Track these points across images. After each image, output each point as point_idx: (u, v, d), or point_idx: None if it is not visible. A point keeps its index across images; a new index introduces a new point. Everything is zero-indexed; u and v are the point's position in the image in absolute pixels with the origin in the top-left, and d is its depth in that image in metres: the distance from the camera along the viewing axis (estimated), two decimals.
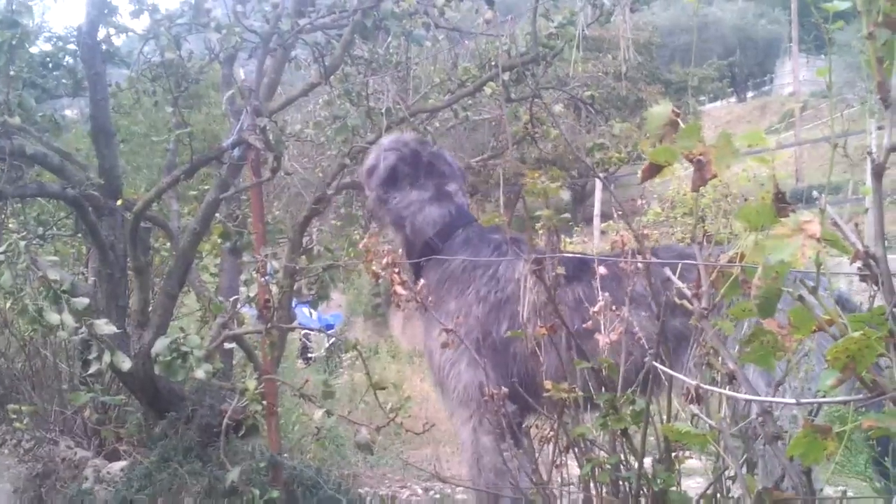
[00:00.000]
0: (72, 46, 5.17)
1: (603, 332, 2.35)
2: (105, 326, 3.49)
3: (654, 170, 1.52)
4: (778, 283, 1.33)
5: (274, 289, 3.91)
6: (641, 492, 2.14)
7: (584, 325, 2.47)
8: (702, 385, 1.71)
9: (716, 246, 2.03)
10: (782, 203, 1.36)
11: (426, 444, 6.59)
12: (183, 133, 4.20)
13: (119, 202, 4.46)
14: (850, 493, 3.45)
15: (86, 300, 3.58)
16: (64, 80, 5.19)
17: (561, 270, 2.55)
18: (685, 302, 1.64)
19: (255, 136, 3.80)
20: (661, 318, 2.07)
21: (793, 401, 1.45)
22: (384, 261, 2.68)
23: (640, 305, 2.65)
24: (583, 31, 4.46)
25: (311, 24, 4.19)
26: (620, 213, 2.46)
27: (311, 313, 10.73)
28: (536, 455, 2.59)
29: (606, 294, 2.40)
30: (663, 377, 2.07)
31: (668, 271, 1.78)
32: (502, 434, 2.81)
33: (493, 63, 5.07)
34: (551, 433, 2.52)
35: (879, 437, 3.14)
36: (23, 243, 3.73)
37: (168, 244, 5.28)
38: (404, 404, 3.61)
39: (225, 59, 4.47)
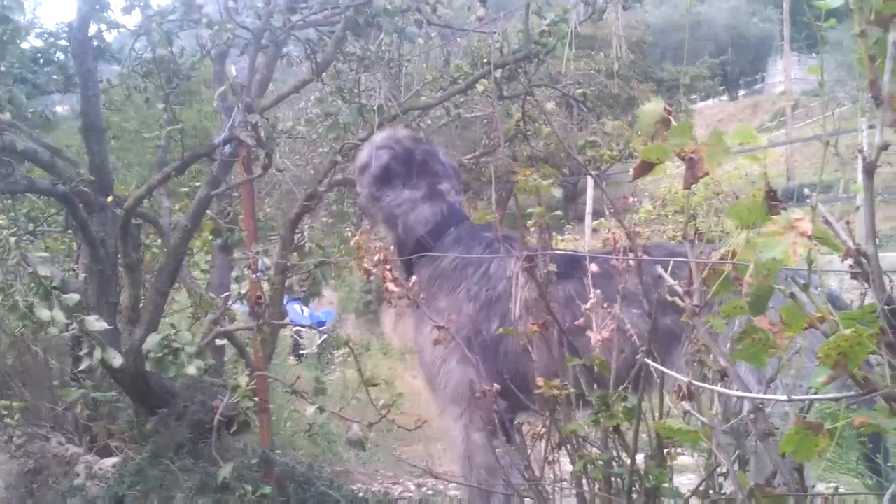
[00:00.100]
0: (63, 42, 5.15)
1: (594, 329, 2.35)
2: (96, 323, 3.48)
3: (646, 167, 1.52)
4: (769, 281, 1.34)
5: (265, 285, 3.91)
6: (634, 488, 2.14)
7: (575, 323, 2.47)
8: (694, 382, 1.71)
9: (707, 244, 2.03)
10: (774, 201, 1.36)
11: (418, 441, 6.58)
12: (174, 129, 4.19)
13: (110, 198, 4.44)
14: (841, 490, 3.46)
15: (76, 296, 3.58)
16: (55, 76, 5.18)
17: (552, 268, 2.56)
18: (677, 299, 1.65)
19: (247, 132, 3.79)
20: (653, 316, 2.07)
21: (784, 397, 1.45)
22: (376, 258, 2.68)
23: (631, 303, 2.66)
24: (575, 28, 4.46)
25: (303, 20, 4.19)
26: (612, 210, 2.46)
27: (302, 310, 10.74)
28: (528, 452, 2.59)
29: (598, 291, 2.40)
30: (655, 374, 2.07)
31: (659, 268, 1.78)
32: (494, 431, 2.81)
33: (485, 60, 5.07)
34: (543, 430, 2.52)
35: (870, 434, 3.15)
36: (13, 239, 3.72)
37: (159, 241, 5.28)
38: (396, 401, 3.62)
39: (216, 55, 4.46)
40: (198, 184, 4.81)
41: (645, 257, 2.32)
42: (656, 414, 2.19)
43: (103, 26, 4.44)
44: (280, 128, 5.23)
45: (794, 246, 1.27)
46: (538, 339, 2.52)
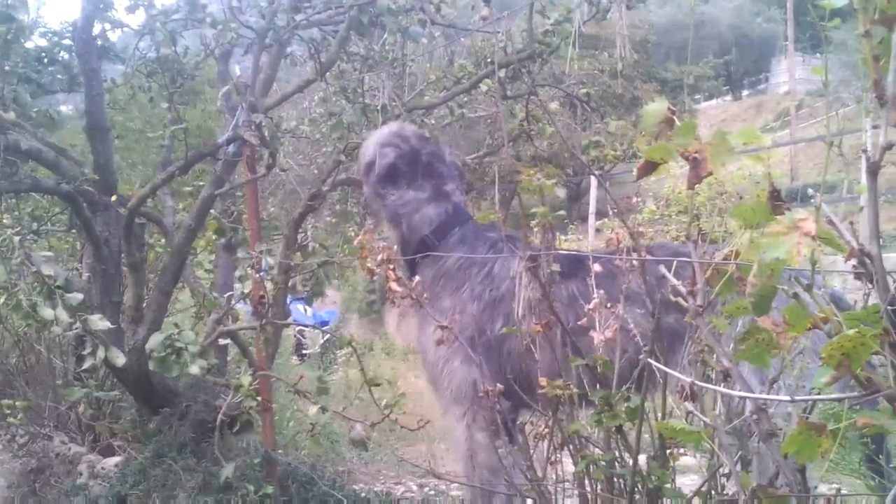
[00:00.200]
0: (67, 42, 5.15)
1: (598, 329, 2.35)
2: (99, 322, 3.48)
3: (650, 167, 1.52)
4: (773, 281, 1.34)
5: (269, 285, 3.91)
6: (636, 489, 2.14)
7: (578, 323, 2.47)
8: (697, 382, 1.71)
9: (711, 244, 2.03)
10: (777, 201, 1.36)
11: (421, 441, 6.59)
12: (178, 129, 4.19)
13: (114, 198, 4.45)
14: (844, 491, 3.45)
15: (80, 296, 3.58)
16: (59, 76, 5.18)
17: (556, 267, 2.55)
18: (680, 299, 1.64)
19: (251, 132, 3.79)
20: (656, 316, 2.07)
21: (787, 398, 1.45)
22: (379, 258, 2.68)
23: (634, 302, 2.65)
24: (579, 28, 4.46)
25: (307, 20, 4.19)
26: (616, 210, 2.46)
27: (305, 310, 10.75)
28: (531, 452, 2.59)
29: (601, 291, 2.40)
30: (658, 374, 2.07)
31: (663, 269, 1.78)
32: (496, 431, 2.81)
33: (489, 60, 5.08)
34: (546, 430, 2.52)
35: (873, 435, 3.14)
36: (17, 238, 3.72)
37: (163, 240, 5.28)
38: (399, 401, 3.61)
39: (220, 55, 4.47)
40: (201, 183, 4.81)
41: (648, 257, 2.32)
42: (659, 414, 2.19)
43: (107, 25, 4.45)
44: (284, 127, 5.23)
45: (797, 246, 1.27)
46: (541, 338, 2.52)
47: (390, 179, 3.66)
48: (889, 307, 1.28)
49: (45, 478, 5.05)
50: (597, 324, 2.37)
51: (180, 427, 4.47)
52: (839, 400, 1.40)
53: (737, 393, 1.56)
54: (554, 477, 2.53)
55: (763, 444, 1.56)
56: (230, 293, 4.02)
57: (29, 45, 4.86)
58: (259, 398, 3.76)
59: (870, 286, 1.34)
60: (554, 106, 5.88)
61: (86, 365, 3.62)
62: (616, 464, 2.26)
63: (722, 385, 1.92)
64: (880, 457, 3.22)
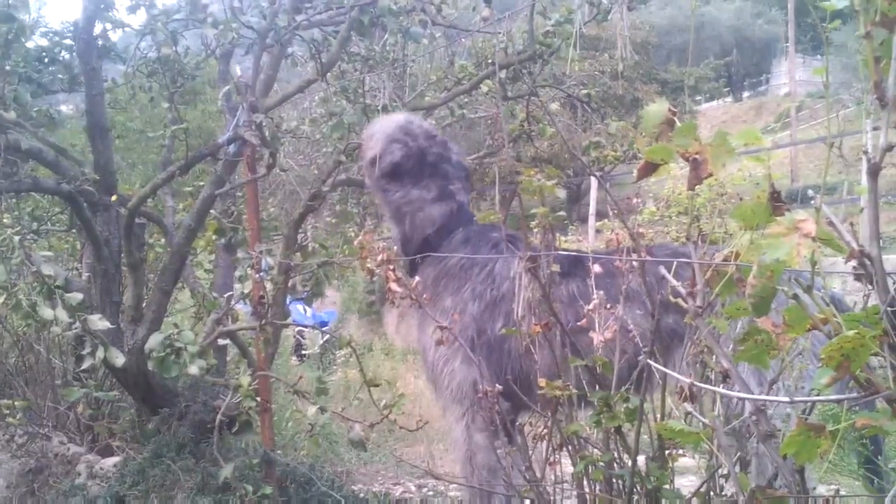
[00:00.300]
0: (68, 41, 5.16)
1: (597, 329, 2.35)
2: (99, 322, 3.48)
3: (650, 168, 1.52)
4: (773, 282, 1.34)
5: (268, 285, 3.91)
6: (635, 489, 2.14)
7: (578, 323, 2.47)
8: (696, 383, 1.71)
9: (711, 245, 2.03)
10: (778, 202, 1.36)
11: (420, 442, 6.59)
12: (178, 129, 4.19)
13: (114, 198, 4.45)
14: (842, 492, 3.45)
15: (80, 296, 3.58)
16: (60, 76, 5.18)
17: (556, 268, 2.55)
18: (680, 300, 1.64)
19: (251, 132, 3.79)
20: (655, 316, 2.07)
21: (787, 399, 1.45)
22: (379, 258, 2.68)
23: (634, 303, 2.65)
24: (580, 29, 4.46)
25: (307, 20, 4.19)
26: (616, 211, 2.46)
27: (305, 310, 10.75)
28: (530, 453, 2.59)
29: (601, 292, 2.40)
30: (657, 375, 2.07)
31: (662, 269, 1.78)
32: (495, 431, 2.81)
33: (489, 61, 5.08)
34: (545, 431, 2.52)
35: (871, 436, 3.14)
36: (17, 238, 3.72)
37: (163, 240, 5.28)
38: (398, 401, 3.61)
39: (221, 55, 4.48)
40: (202, 183, 4.82)
41: (648, 258, 2.32)
42: (658, 415, 2.19)
43: (108, 25, 4.45)
44: (284, 128, 5.23)
45: (797, 247, 1.27)
46: (541, 339, 2.52)
47: (395, 176, 3.64)
48: (889, 309, 1.28)
49: (44, 478, 5.05)
50: (596, 324, 2.37)
51: (179, 427, 4.47)
52: (838, 401, 1.40)
53: (736, 394, 1.56)
54: (553, 477, 2.53)
55: (762, 445, 1.56)
56: (230, 293, 4.02)
57: (30, 44, 4.86)
58: (258, 398, 3.75)
59: (870, 287, 1.34)
60: (554, 107, 5.88)
61: (85, 365, 3.62)
62: (615, 464, 2.26)
63: (721, 386, 1.92)
64: (879, 458, 3.22)
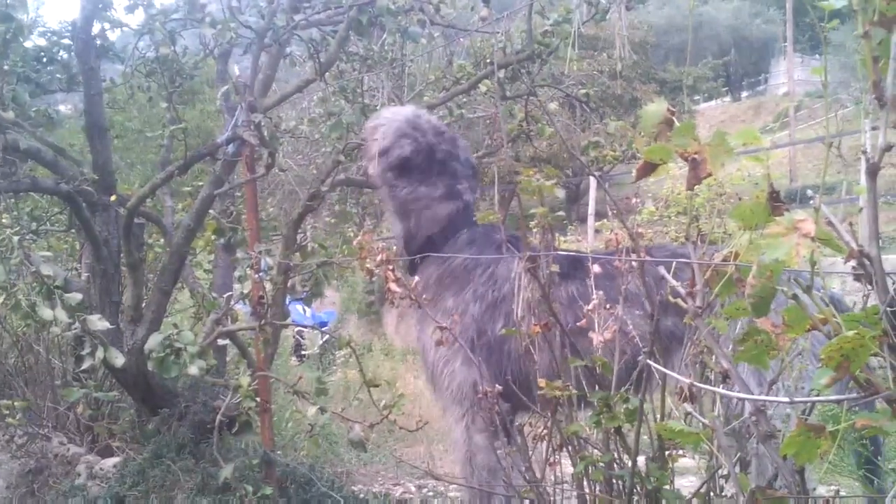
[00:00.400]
0: (66, 41, 5.16)
1: (597, 330, 2.35)
2: (98, 322, 3.48)
3: (649, 168, 1.52)
4: (772, 282, 1.33)
5: (268, 285, 3.90)
6: (635, 490, 2.14)
7: (577, 324, 2.47)
8: (695, 383, 1.71)
9: (710, 245, 2.03)
10: (777, 202, 1.36)
11: (419, 442, 6.59)
12: (177, 129, 4.19)
13: (113, 198, 4.45)
14: (842, 493, 3.46)
15: (79, 296, 3.58)
16: (58, 75, 5.18)
17: (555, 268, 2.55)
18: (679, 300, 1.64)
19: (250, 132, 3.79)
20: (655, 317, 2.07)
21: (786, 399, 1.45)
22: (378, 258, 2.68)
23: (633, 304, 2.65)
24: (578, 28, 4.46)
25: (306, 20, 4.19)
26: (615, 211, 2.46)
27: (304, 310, 10.75)
28: (530, 453, 2.59)
29: (600, 292, 2.39)
30: (657, 375, 2.07)
31: (662, 270, 1.78)
32: (495, 432, 2.81)
33: (488, 60, 5.08)
34: (545, 431, 2.51)
35: (871, 437, 3.15)
36: (16, 238, 3.72)
37: (162, 240, 5.28)
38: (398, 402, 3.61)
39: (220, 54, 4.47)
40: (201, 183, 4.81)
41: (647, 258, 2.32)
42: (658, 416, 2.19)
43: (107, 25, 4.45)
44: (283, 127, 5.23)
45: (797, 247, 1.26)
46: (541, 339, 2.51)
47: (403, 172, 3.60)
48: (888, 309, 1.28)
49: (44, 478, 5.05)
50: (595, 325, 2.37)
51: (179, 428, 4.47)
52: (838, 401, 1.40)
53: (736, 394, 1.56)
54: (552, 478, 2.53)
55: (762, 445, 1.56)
56: (229, 293, 4.02)
57: (28, 44, 4.85)
58: (258, 399, 3.75)
59: (869, 288, 1.34)
60: (553, 106, 5.89)
61: (84, 365, 3.62)
62: (615, 465, 2.26)
63: (721, 386, 1.92)
64: (878, 458, 3.22)
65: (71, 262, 6.06)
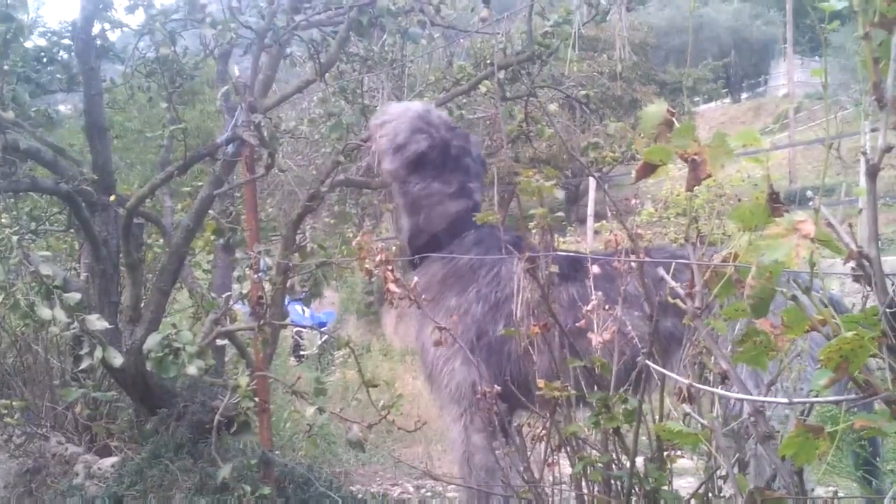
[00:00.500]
0: (66, 41, 5.16)
1: (595, 330, 2.35)
2: (97, 322, 3.48)
3: (649, 169, 1.52)
4: (771, 283, 1.33)
5: (267, 286, 3.91)
6: (633, 491, 2.14)
7: (576, 324, 2.47)
8: (694, 384, 1.71)
9: (709, 246, 2.03)
10: (776, 203, 1.36)
11: (418, 442, 6.59)
12: (177, 129, 4.19)
13: (112, 198, 4.45)
14: (840, 494, 3.45)
15: (78, 296, 3.58)
16: (58, 75, 5.17)
17: (554, 269, 2.55)
18: (678, 301, 1.64)
19: (250, 132, 3.79)
20: (654, 318, 2.07)
21: (785, 400, 1.45)
22: (377, 258, 2.68)
23: (632, 305, 2.65)
24: (578, 30, 4.46)
25: (306, 20, 4.19)
26: (614, 212, 2.46)
27: (303, 311, 10.74)
28: (528, 453, 2.59)
29: (599, 293, 2.39)
30: (655, 376, 2.07)
31: (661, 271, 1.78)
32: (493, 432, 2.81)
33: (488, 61, 5.08)
34: (543, 432, 2.51)
35: (870, 438, 3.15)
36: (15, 238, 3.72)
37: (161, 240, 5.28)
38: (396, 402, 3.61)
39: (220, 55, 4.47)
40: (200, 183, 4.81)
41: (646, 259, 2.32)
42: (656, 416, 2.19)
43: (107, 25, 4.44)
44: (283, 128, 5.23)
45: (796, 248, 1.26)
46: (540, 340, 2.51)
47: (418, 167, 3.59)
48: (887, 310, 1.28)
49: (42, 478, 5.05)
50: (594, 326, 2.37)
51: (177, 427, 4.46)
52: (837, 402, 1.40)
53: (734, 395, 1.56)
54: (551, 478, 2.53)
55: (760, 446, 1.56)
56: (228, 294, 4.01)
57: (28, 44, 4.85)
58: (256, 399, 3.75)
59: (868, 289, 1.34)
60: (553, 107, 5.89)
61: (83, 365, 3.62)
62: (613, 466, 2.26)
63: (719, 387, 1.92)
64: (877, 459, 3.22)
65: (70, 262, 6.06)
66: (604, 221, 14.84)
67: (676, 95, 30.01)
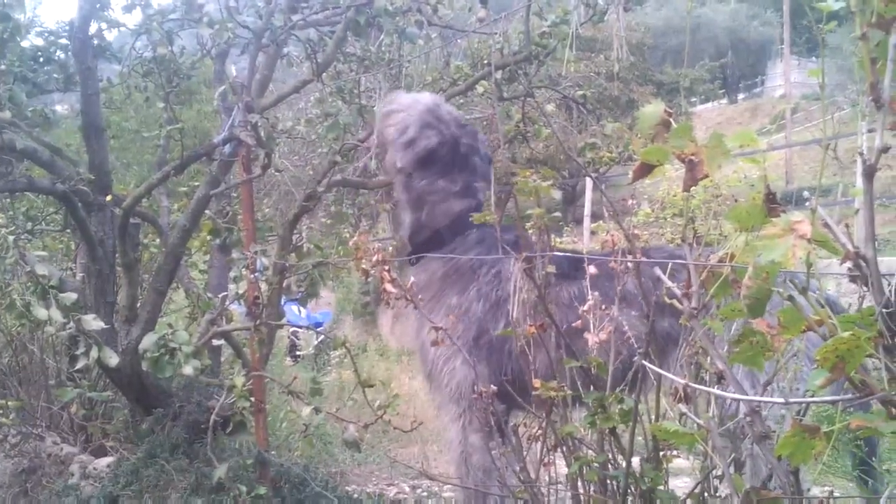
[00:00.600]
0: (63, 41, 5.14)
1: (592, 330, 2.35)
2: (93, 322, 3.48)
3: (645, 169, 1.52)
4: (768, 284, 1.34)
5: (263, 286, 3.90)
6: (629, 491, 2.14)
7: (573, 324, 2.47)
8: (690, 384, 1.71)
9: (706, 246, 2.03)
10: (773, 203, 1.36)
11: (414, 443, 6.59)
12: (174, 129, 4.18)
13: (109, 198, 4.44)
14: (836, 494, 3.46)
15: (74, 296, 3.57)
16: (55, 75, 5.17)
17: (551, 269, 2.55)
18: (675, 301, 1.64)
19: (247, 132, 3.78)
20: (651, 318, 2.07)
21: (781, 400, 1.45)
22: (374, 259, 2.68)
23: (629, 305, 2.65)
24: (576, 30, 4.46)
25: (303, 20, 4.18)
26: (611, 212, 2.46)
27: (300, 311, 10.71)
28: (524, 453, 2.59)
29: (596, 293, 2.39)
30: (652, 376, 2.07)
31: (658, 271, 1.78)
32: (490, 432, 2.81)
33: (485, 61, 5.08)
34: (539, 432, 2.51)
35: (866, 438, 3.15)
36: (11, 238, 3.72)
37: (157, 240, 5.27)
38: (392, 402, 3.61)
39: (217, 55, 4.46)
40: (197, 183, 4.81)
41: (643, 259, 2.32)
42: (652, 416, 2.19)
43: (104, 25, 4.44)
44: (280, 128, 5.22)
45: (793, 249, 1.27)
46: (536, 340, 2.51)
47: (426, 164, 3.57)
48: (884, 310, 1.28)
49: (37, 478, 5.04)
50: (591, 326, 2.37)
51: (173, 428, 4.46)
52: (833, 402, 1.40)
53: (731, 395, 1.56)
54: (547, 478, 2.53)
55: (756, 446, 1.56)
56: (224, 294, 4.01)
57: (25, 44, 4.85)
58: (252, 399, 3.75)
59: (865, 289, 1.34)
60: (550, 108, 5.89)
61: (79, 365, 3.61)
62: (609, 465, 2.26)
63: (716, 387, 1.92)
64: (873, 459, 3.22)
65: (66, 262, 6.05)
66: (601, 222, 14.86)
67: (673, 96, 30.06)
